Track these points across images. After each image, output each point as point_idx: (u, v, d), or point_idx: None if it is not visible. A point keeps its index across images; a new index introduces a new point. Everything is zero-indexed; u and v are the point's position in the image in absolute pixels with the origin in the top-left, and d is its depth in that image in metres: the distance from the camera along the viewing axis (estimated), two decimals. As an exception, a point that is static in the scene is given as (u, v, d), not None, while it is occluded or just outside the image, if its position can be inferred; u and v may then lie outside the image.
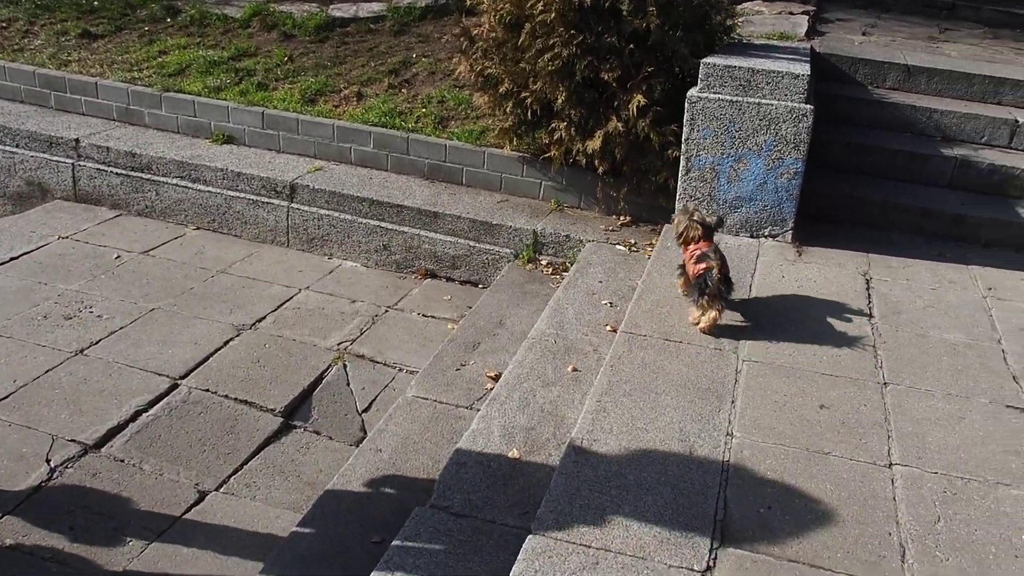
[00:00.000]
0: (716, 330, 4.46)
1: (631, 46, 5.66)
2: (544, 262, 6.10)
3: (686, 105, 5.47)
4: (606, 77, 5.70)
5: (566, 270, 6.00)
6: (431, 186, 6.66)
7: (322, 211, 6.50)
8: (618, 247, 5.90)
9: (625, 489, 3.24)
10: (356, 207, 6.43)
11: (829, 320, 4.64)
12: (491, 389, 4.70)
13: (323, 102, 7.13)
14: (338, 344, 5.49)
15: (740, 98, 5.40)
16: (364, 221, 6.41)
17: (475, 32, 6.27)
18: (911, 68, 6.79)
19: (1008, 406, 3.88)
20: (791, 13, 7.93)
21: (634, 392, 3.91)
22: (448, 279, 6.39)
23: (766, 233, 5.59)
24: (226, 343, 5.40)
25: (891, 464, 3.44)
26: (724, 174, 5.55)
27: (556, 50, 5.68)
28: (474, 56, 6.27)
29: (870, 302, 4.85)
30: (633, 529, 3.03)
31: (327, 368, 5.26)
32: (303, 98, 7.14)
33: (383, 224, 6.37)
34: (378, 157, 6.84)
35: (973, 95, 6.70)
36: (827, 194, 5.87)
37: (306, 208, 6.54)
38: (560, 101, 5.80)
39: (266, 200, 6.64)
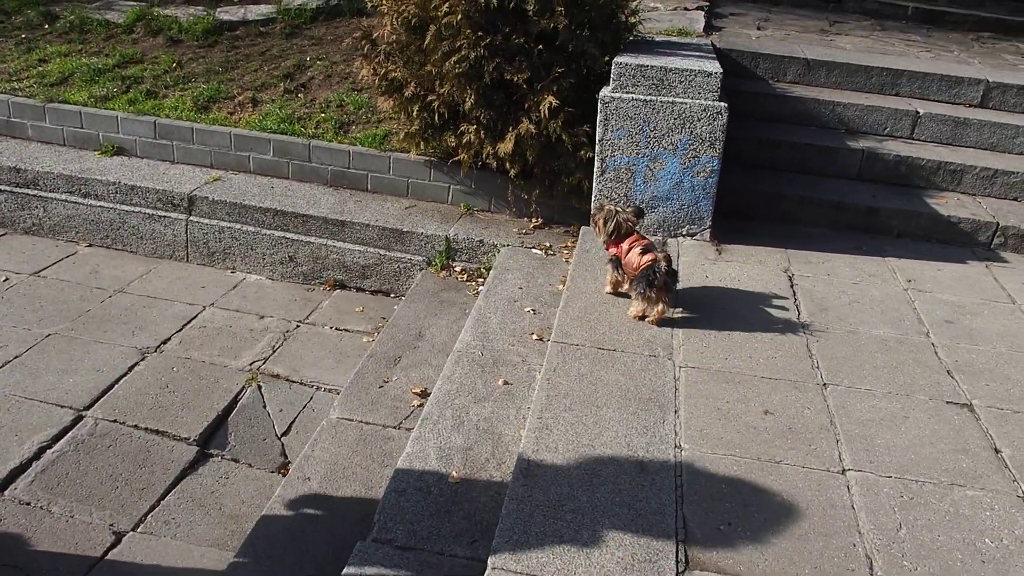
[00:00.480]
0: (654, 326, 4.33)
1: (540, 47, 5.46)
2: (458, 269, 5.84)
3: (599, 105, 5.28)
4: (515, 79, 5.46)
5: (481, 276, 5.77)
6: (336, 194, 6.32)
7: (223, 223, 6.09)
8: (534, 251, 5.69)
9: (580, 513, 3.01)
10: (259, 218, 6.04)
11: (759, 320, 4.52)
12: (418, 406, 4.44)
13: (217, 109, 6.70)
14: (250, 364, 5.11)
15: (654, 97, 5.24)
16: (268, 232, 6.03)
17: (376, 35, 5.97)
18: (811, 62, 6.78)
19: (948, 402, 3.80)
20: (686, 8, 7.85)
21: (575, 406, 3.70)
22: (358, 289, 6.07)
23: (684, 232, 5.46)
24: (131, 368, 4.97)
25: (844, 470, 3.31)
26: (640, 174, 5.39)
27: (463, 52, 5.41)
28: (376, 59, 5.95)
29: (796, 299, 4.76)
30: (595, 556, 2.82)
31: (241, 390, 4.88)
32: (196, 105, 6.70)
33: (288, 235, 6.00)
34: (279, 165, 6.46)
35: (872, 87, 6.73)
36: (740, 190, 5.77)
37: (206, 221, 6.11)
38: (468, 104, 5.55)
39: (163, 214, 6.18)
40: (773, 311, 4.62)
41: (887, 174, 6.02)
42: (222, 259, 6.18)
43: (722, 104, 5.20)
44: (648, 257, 4.36)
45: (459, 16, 5.34)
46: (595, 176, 5.42)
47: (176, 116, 6.60)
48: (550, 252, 5.68)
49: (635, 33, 6.19)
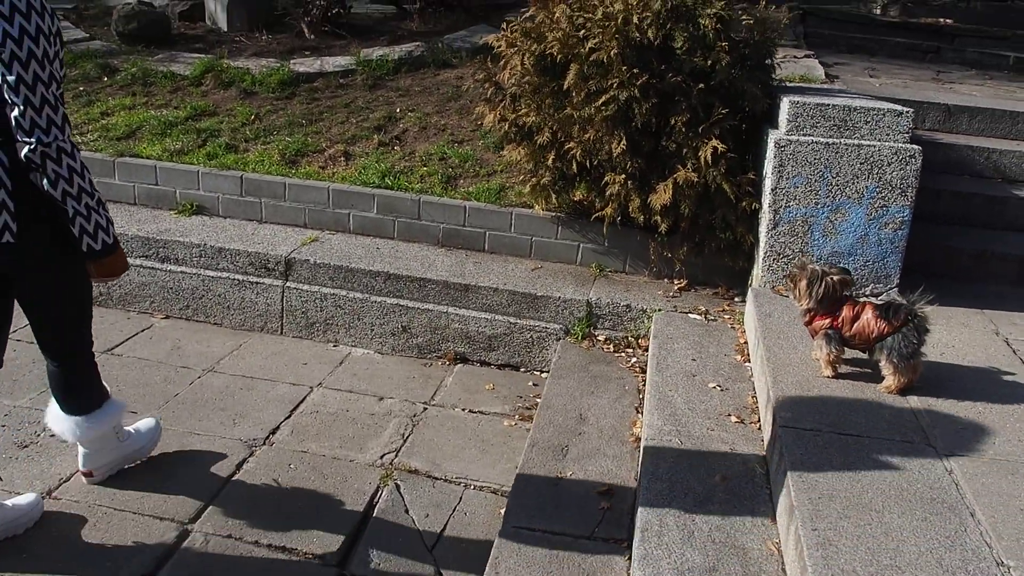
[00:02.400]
0: (888, 405, 3.44)
1: (700, 85, 4.67)
2: (602, 338, 4.94)
3: (773, 150, 4.46)
4: (674, 121, 4.66)
5: (630, 347, 4.87)
6: (450, 255, 5.42)
7: (325, 290, 5.15)
8: (692, 316, 4.80)
9: None
10: (367, 283, 5.13)
11: (1003, 393, 3.64)
12: (607, 508, 3.51)
13: (307, 163, 5.82)
14: (380, 457, 4.14)
15: (836, 140, 4.43)
16: (378, 299, 5.11)
17: (498, 77, 5.16)
18: (951, 107, 5.97)
19: None
20: (795, 57, 7.10)
21: (850, 512, 2.79)
22: (482, 363, 5.12)
23: (868, 292, 4.61)
24: (239, 466, 3.97)
25: None
26: (819, 227, 4.55)
27: (612, 93, 4.61)
28: (502, 104, 5.14)
29: (1032, 367, 3.93)
30: None
31: (376, 491, 3.88)
32: (283, 159, 5.81)
33: (401, 302, 5.08)
34: (382, 224, 5.56)
35: (1019, 133, 5.93)
36: (911, 244, 4.94)
37: (305, 287, 5.17)
38: (617, 151, 4.71)
39: (255, 280, 5.23)
40: (1011, 380, 3.76)
41: (1065, 226, 5.21)
42: (323, 331, 5.23)
43: (916, 147, 4.39)
44: (884, 324, 3.55)
45: (612, 51, 4.54)
46: (765, 230, 4.58)
47: (263, 171, 5.70)
48: (710, 317, 4.80)
49: (774, 78, 5.42)
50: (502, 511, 3.59)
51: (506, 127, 5.03)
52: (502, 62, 5.09)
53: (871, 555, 2.60)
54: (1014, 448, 3.23)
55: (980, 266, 4.92)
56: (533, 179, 5.14)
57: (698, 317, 4.79)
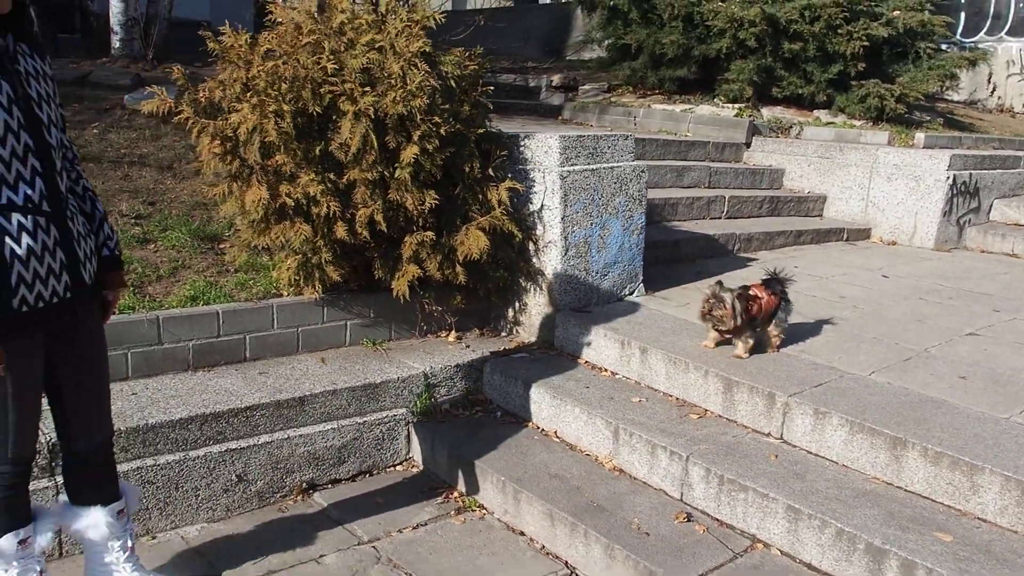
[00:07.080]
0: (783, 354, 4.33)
1: (480, 131, 4.45)
2: (446, 406, 4.38)
3: (557, 182, 4.62)
4: (468, 168, 4.40)
5: (476, 404, 4.47)
6: (220, 375, 4.03)
7: (121, 467, 3.34)
8: (516, 356, 4.62)
9: None
10: (178, 437, 3.55)
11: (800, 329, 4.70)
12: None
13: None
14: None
15: (597, 165, 4.78)
16: (200, 453, 3.59)
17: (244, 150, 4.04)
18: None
19: None
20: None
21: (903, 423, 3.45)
22: (333, 482, 4.03)
23: (627, 291, 5.06)
24: None
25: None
26: (594, 244, 4.84)
27: (415, 147, 4.10)
28: (253, 177, 4.04)
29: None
30: None
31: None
32: None
33: (230, 445, 3.68)
34: (111, 362, 3.79)
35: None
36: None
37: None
38: (426, 207, 4.21)
39: None
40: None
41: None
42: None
43: (643, 163, 5.03)
44: (774, 297, 4.24)
45: (418, 101, 4.03)
46: (558, 257, 4.69)
47: None
48: (535, 355, 4.65)
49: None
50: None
51: (282, 203, 4.00)
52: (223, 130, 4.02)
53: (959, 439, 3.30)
54: (864, 357, 4.26)
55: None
56: (301, 258, 4.20)
57: (524, 355, 4.65)
